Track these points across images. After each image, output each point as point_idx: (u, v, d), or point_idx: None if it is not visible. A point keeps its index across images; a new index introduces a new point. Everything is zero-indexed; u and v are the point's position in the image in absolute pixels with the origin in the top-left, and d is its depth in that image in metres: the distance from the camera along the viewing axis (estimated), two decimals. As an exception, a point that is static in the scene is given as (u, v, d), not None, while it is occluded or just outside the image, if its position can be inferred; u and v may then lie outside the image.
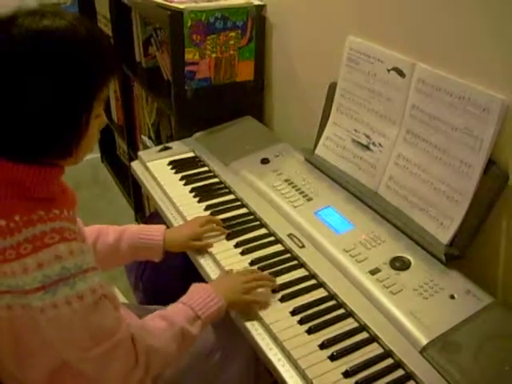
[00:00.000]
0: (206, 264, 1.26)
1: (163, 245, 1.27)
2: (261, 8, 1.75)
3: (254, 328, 1.08)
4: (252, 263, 1.23)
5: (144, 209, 2.58)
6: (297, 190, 1.43)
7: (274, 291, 1.14)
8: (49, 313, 0.83)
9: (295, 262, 1.24)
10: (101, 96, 0.89)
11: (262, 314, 1.09)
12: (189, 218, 1.40)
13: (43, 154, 0.86)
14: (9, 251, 0.81)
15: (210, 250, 1.28)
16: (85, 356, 0.88)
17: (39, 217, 0.83)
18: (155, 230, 1.29)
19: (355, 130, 1.42)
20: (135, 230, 1.28)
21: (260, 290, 1.14)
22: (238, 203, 1.46)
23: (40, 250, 0.81)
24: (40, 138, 0.84)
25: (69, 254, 0.83)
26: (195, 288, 1.11)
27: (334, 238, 1.25)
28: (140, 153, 1.73)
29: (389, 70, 1.31)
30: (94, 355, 0.88)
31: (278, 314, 1.09)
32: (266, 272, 1.19)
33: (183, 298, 1.08)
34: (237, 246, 1.29)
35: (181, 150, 1.73)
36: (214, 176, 1.60)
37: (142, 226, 1.32)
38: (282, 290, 1.15)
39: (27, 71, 0.80)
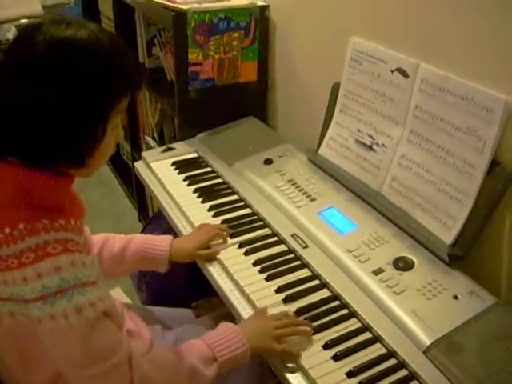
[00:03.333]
0: (209, 265, 1.26)
1: (169, 256, 1.25)
2: (264, 9, 1.75)
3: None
4: (255, 263, 1.23)
5: (147, 209, 2.59)
6: (300, 191, 1.43)
7: (278, 292, 1.14)
8: (46, 324, 0.82)
9: (298, 263, 1.24)
10: (119, 108, 0.88)
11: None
12: (192, 219, 1.40)
13: (57, 162, 0.85)
14: (11, 259, 0.80)
15: (220, 251, 1.28)
16: (78, 374, 0.86)
17: (44, 225, 0.81)
18: (161, 241, 1.27)
19: (358, 131, 1.42)
20: (141, 240, 1.26)
21: (293, 337, 1.03)
22: (242, 203, 1.46)
23: (41, 259, 0.80)
24: (55, 144, 0.83)
25: (70, 266, 0.82)
26: (222, 327, 1.04)
27: (337, 239, 1.25)
28: (143, 153, 1.74)
29: (392, 71, 1.31)
30: (88, 375, 0.85)
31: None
32: (298, 317, 1.08)
33: (207, 335, 1.02)
34: (240, 246, 1.29)
35: (184, 150, 1.74)
36: (218, 176, 1.60)
37: (149, 236, 1.30)
38: (286, 290, 1.15)
39: (46, 78, 0.80)
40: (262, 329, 1.03)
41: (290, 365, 1.00)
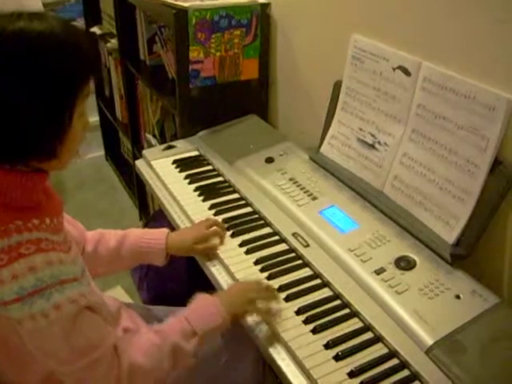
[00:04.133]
0: (210, 263, 1.26)
1: (165, 250, 1.25)
2: (265, 6, 1.74)
3: (258, 328, 1.07)
4: (256, 262, 1.22)
5: (148, 207, 2.59)
6: (301, 189, 1.43)
7: (280, 291, 1.14)
8: (27, 324, 0.81)
9: (300, 262, 1.23)
10: (82, 94, 0.86)
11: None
12: (193, 217, 1.40)
13: (27, 158, 0.84)
14: None
15: (217, 246, 1.28)
16: (64, 369, 0.86)
17: (16, 227, 0.81)
18: (157, 235, 1.27)
19: (360, 129, 1.42)
20: (137, 234, 1.26)
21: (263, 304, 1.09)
22: (243, 202, 1.46)
23: (15, 260, 0.80)
24: (22, 140, 0.81)
25: (45, 265, 0.81)
26: (198, 300, 1.07)
27: (338, 238, 1.25)
28: (144, 151, 1.73)
29: (394, 69, 1.31)
30: (75, 369, 0.86)
31: (283, 313, 1.08)
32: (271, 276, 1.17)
33: (185, 311, 1.04)
34: (241, 245, 1.29)
35: (185, 148, 1.73)
36: (219, 175, 1.59)
37: (145, 230, 1.30)
38: (287, 289, 1.15)
39: (3, 74, 0.78)
40: (237, 297, 1.09)
41: (291, 366, 0.99)
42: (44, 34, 0.81)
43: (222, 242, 1.30)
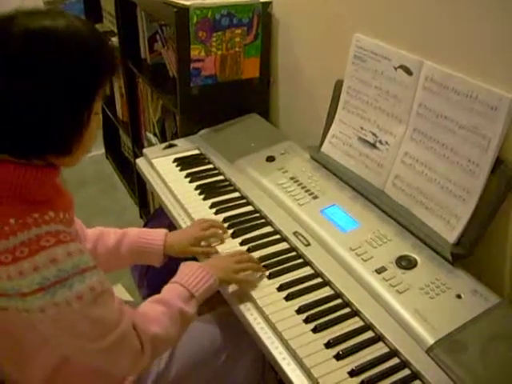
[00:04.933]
0: (211, 262, 1.25)
1: (163, 250, 1.26)
2: (267, 5, 1.74)
3: (259, 327, 1.07)
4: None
5: (149, 205, 2.59)
6: (302, 188, 1.42)
7: (280, 290, 1.14)
8: (50, 311, 0.83)
9: (301, 261, 1.23)
10: (101, 93, 0.89)
11: (268, 312, 1.08)
12: (194, 215, 1.40)
13: (45, 152, 0.86)
14: (5, 255, 0.81)
15: (216, 247, 1.28)
16: (93, 348, 0.89)
17: (34, 220, 0.82)
18: (155, 235, 1.27)
19: (362, 128, 1.42)
20: (136, 234, 1.27)
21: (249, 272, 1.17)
22: (243, 201, 1.46)
23: (36, 253, 0.81)
24: (44, 135, 0.83)
25: (66, 256, 0.83)
26: (186, 266, 1.12)
27: (339, 237, 1.25)
28: (145, 150, 1.73)
29: (396, 68, 1.31)
30: (103, 347, 0.89)
31: (284, 312, 1.09)
32: (256, 256, 1.23)
33: (176, 278, 1.10)
34: (242, 243, 1.29)
35: (186, 147, 1.73)
36: (219, 173, 1.59)
37: (143, 229, 1.30)
38: (288, 288, 1.15)
39: (28, 71, 0.80)
40: (223, 264, 1.16)
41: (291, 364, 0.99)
42: (68, 33, 0.83)
43: (221, 242, 1.30)
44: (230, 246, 1.29)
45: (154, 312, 1.01)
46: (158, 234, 1.28)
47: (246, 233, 1.32)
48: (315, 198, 1.39)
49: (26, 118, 0.81)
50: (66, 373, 1.00)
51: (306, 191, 1.41)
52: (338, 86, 1.48)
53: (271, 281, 1.17)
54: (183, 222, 1.40)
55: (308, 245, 1.26)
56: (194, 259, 1.30)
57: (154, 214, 2.17)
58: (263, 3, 1.73)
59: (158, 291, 1.65)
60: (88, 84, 0.86)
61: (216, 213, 1.41)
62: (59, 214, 0.87)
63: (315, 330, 1.04)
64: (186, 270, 1.11)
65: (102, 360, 0.93)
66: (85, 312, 0.86)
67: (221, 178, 1.58)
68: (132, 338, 0.93)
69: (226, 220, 1.37)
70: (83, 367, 1.01)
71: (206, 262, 1.20)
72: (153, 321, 0.98)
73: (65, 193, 0.95)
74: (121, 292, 1.90)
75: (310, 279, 1.18)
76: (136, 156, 2.33)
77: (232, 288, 1.16)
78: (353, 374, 0.96)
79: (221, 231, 1.31)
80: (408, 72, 1.28)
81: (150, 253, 1.26)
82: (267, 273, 1.19)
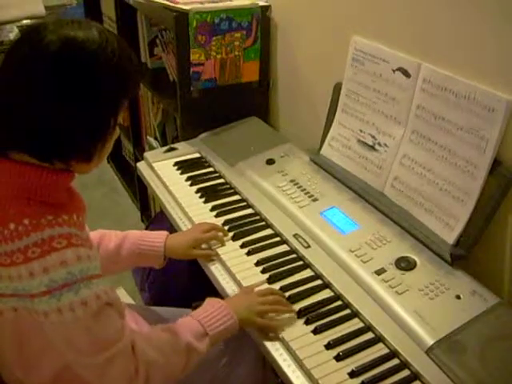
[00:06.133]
0: (212, 265, 1.26)
1: (163, 252, 1.26)
2: (266, 9, 1.75)
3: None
4: (258, 263, 1.23)
5: (150, 209, 2.59)
6: (302, 191, 1.43)
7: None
8: (52, 317, 0.83)
9: (301, 263, 1.24)
10: (125, 104, 0.91)
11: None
12: (194, 219, 1.40)
13: (69, 158, 0.87)
14: (16, 254, 0.81)
15: (216, 250, 1.28)
16: (85, 362, 0.87)
17: (48, 221, 0.83)
18: (156, 237, 1.28)
19: (360, 131, 1.42)
20: (136, 237, 1.27)
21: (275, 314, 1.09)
22: (244, 204, 1.46)
23: (47, 254, 0.81)
24: (72, 141, 0.85)
25: (75, 260, 0.83)
26: (209, 302, 1.08)
27: (339, 239, 1.25)
28: (146, 154, 1.74)
29: (394, 71, 1.31)
30: (95, 362, 0.87)
31: (284, 313, 1.09)
32: (282, 292, 1.15)
33: (195, 311, 1.06)
34: (243, 246, 1.29)
35: (186, 150, 1.74)
36: (220, 177, 1.60)
37: (144, 232, 1.31)
38: (288, 290, 1.15)
39: (60, 77, 0.81)
40: (247, 303, 1.09)
41: (291, 364, 1.00)
42: (101, 42, 0.85)
43: (222, 245, 1.30)
44: (231, 248, 1.29)
45: (159, 338, 0.98)
46: (158, 236, 1.28)
47: (247, 235, 1.33)
48: (315, 200, 1.39)
49: (55, 123, 0.83)
50: (70, 377, 1.00)
51: (306, 193, 1.42)
52: (337, 88, 1.49)
53: (271, 284, 1.17)
54: (184, 225, 1.41)
55: (308, 247, 1.26)
56: (195, 261, 1.31)
57: (155, 217, 2.18)
58: (262, 7, 1.74)
59: (159, 295, 1.66)
60: (117, 92, 0.88)
61: (216, 216, 1.41)
62: (72, 216, 0.88)
63: (315, 332, 1.05)
64: (208, 307, 1.07)
65: (92, 376, 0.90)
66: (86, 323, 0.85)
67: (221, 181, 1.58)
68: (127, 359, 0.90)
69: (226, 223, 1.37)
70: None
71: (231, 298, 1.15)
72: (154, 346, 0.95)
73: (77, 197, 0.96)
74: (122, 295, 1.90)
75: (310, 281, 1.18)
76: (137, 160, 2.33)
77: (233, 290, 1.16)
78: (353, 374, 0.96)
79: (221, 234, 1.32)
80: (406, 74, 1.28)
81: (151, 255, 1.26)
82: (267, 275, 1.19)
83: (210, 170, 1.64)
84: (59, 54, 0.81)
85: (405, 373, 0.97)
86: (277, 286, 1.16)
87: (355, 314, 1.09)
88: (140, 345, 0.93)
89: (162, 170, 1.64)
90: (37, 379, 0.98)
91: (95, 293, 0.85)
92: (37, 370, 0.96)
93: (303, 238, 1.29)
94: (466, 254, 1.15)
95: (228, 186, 1.55)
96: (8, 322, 0.88)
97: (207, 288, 1.24)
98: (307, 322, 1.07)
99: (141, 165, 1.71)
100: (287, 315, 1.09)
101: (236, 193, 1.52)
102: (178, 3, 1.65)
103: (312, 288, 1.16)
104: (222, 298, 1.19)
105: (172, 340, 0.98)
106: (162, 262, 1.28)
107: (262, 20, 1.74)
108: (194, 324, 1.02)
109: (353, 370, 0.97)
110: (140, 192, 2.54)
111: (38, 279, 0.81)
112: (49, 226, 0.83)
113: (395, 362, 0.99)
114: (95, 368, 0.88)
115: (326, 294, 1.15)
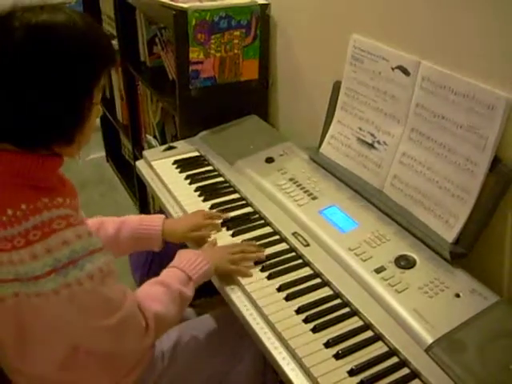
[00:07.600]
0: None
1: (162, 234, 1.29)
2: (265, 7, 1.75)
3: (259, 327, 1.08)
4: (257, 262, 1.22)
5: (149, 208, 2.59)
6: (301, 189, 1.43)
7: (280, 290, 1.14)
8: (63, 292, 0.85)
9: (300, 261, 1.24)
10: (100, 84, 0.92)
11: (268, 312, 1.09)
12: (194, 217, 1.40)
13: (50, 143, 0.89)
14: (17, 239, 0.83)
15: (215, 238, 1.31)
16: (102, 326, 0.92)
17: (44, 204, 0.85)
18: (155, 220, 1.31)
19: (360, 129, 1.42)
20: (135, 220, 1.31)
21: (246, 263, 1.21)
22: (243, 202, 1.46)
23: (48, 235, 0.83)
24: (47, 126, 0.86)
25: (76, 238, 0.86)
26: (183, 253, 1.17)
27: (338, 237, 1.25)
28: (145, 152, 1.74)
29: (393, 69, 1.31)
30: (111, 325, 0.92)
31: (283, 312, 1.09)
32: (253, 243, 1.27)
33: (174, 263, 1.15)
34: (242, 244, 1.29)
35: (185, 149, 1.74)
36: (219, 175, 1.60)
37: (142, 216, 1.34)
38: (287, 288, 1.15)
39: (30, 63, 0.82)
40: (218, 254, 1.21)
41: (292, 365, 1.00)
42: (67, 25, 0.85)
43: (218, 230, 1.34)
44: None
45: (156, 292, 1.05)
46: (156, 219, 1.32)
47: (246, 233, 1.33)
48: (314, 198, 1.39)
49: (28, 109, 0.84)
50: (71, 366, 1.00)
51: (305, 192, 1.42)
52: (336, 86, 1.49)
53: (271, 281, 1.17)
54: (183, 223, 1.41)
55: (307, 245, 1.26)
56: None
57: (154, 216, 2.17)
58: (261, 5, 1.73)
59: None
60: (87, 75, 0.89)
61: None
62: (66, 199, 0.89)
63: (315, 330, 1.05)
64: (184, 256, 1.16)
65: (109, 339, 0.96)
66: (95, 290, 0.89)
67: (220, 179, 1.58)
68: (138, 316, 0.97)
69: (225, 221, 1.37)
70: (88, 361, 1.02)
71: (201, 249, 1.24)
72: (155, 300, 1.03)
73: (69, 183, 0.99)
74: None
75: (310, 279, 1.18)
76: (136, 158, 2.33)
77: (232, 288, 1.17)
78: (352, 373, 0.96)
79: (217, 221, 1.35)
80: (405, 72, 1.28)
81: (150, 238, 1.30)
82: (267, 273, 1.19)
83: (209, 168, 1.64)
84: (26, 40, 0.82)
85: (404, 371, 0.97)
86: (276, 283, 1.16)
87: (354, 313, 1.09)
88: (143, 301, 1.01)
89: (161, 168, 1.64)
90: (41, 369, 0.98)
91: (98, 266, 0.89)
92: (34, 356, 0.96)
93: (302, 237, 1.28)
94: (465, 253, 1.14)
95: (227, 185, 1.55)
96: (9, 309, 0.89)
97: (206, 287, 1.24)
98: (306, 321, 1.07)
99: (140, 163, 1.71)
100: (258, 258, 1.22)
101: (235, 191, 1.51)
102: (177, 1, 1.65)
103: (311, 286, 1.16)
104: (221, 297, 1.20)
105: (167, 291, 1.06)
106: (161, 245, 1.31)
107: (261, 18, 1.74)
108: (178, 272, 1.11)
109: (352, 369, 0.97)
110: (139, 191, 2.54)
111: (41, 261, 0.83)
112: (46, 209, 0.84)
113: (394, 360, 0.99)
114: (111, 331, 0.93)
115: (325, 292, 1.15)
